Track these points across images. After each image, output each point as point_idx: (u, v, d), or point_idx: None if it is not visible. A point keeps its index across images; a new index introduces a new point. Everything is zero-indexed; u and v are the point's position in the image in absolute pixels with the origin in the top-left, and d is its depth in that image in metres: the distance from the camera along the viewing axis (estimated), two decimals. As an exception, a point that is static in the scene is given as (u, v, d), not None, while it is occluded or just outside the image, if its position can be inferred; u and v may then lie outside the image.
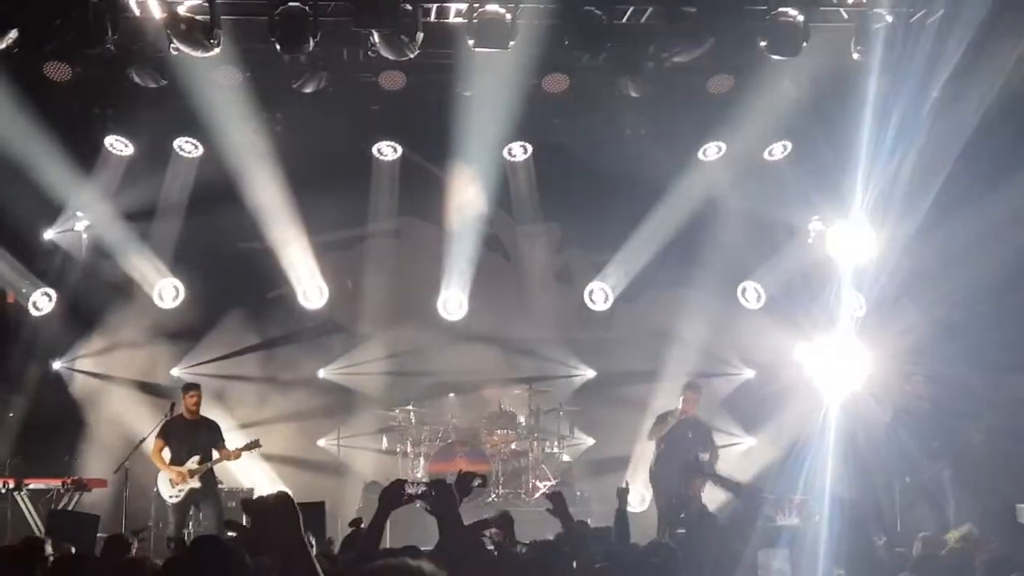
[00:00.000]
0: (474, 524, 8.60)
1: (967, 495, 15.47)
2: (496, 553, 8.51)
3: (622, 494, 10.93)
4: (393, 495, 7.25)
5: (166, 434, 16.09)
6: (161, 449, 16.00)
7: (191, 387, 16.52)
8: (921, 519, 13.60)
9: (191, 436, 16.09)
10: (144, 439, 16.41)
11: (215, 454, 15.99)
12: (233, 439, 16.72)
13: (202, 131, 18.64)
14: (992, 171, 17.59)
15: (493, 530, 9.28)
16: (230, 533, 10.67)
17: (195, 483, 15.79)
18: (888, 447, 15.23)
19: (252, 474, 18.09)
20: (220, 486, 16.49)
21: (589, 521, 12.81)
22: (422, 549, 7.96)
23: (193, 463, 15.85)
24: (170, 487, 15.55)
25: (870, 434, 15.75)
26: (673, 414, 16.73)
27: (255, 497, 3.79)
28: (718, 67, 17.80)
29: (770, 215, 19.82)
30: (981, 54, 16.81)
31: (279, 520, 4.17)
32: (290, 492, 4.30)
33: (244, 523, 11.33)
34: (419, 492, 7.36)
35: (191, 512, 15.88)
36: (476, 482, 8.12)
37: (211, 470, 16.03)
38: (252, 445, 16.36)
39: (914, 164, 17.83)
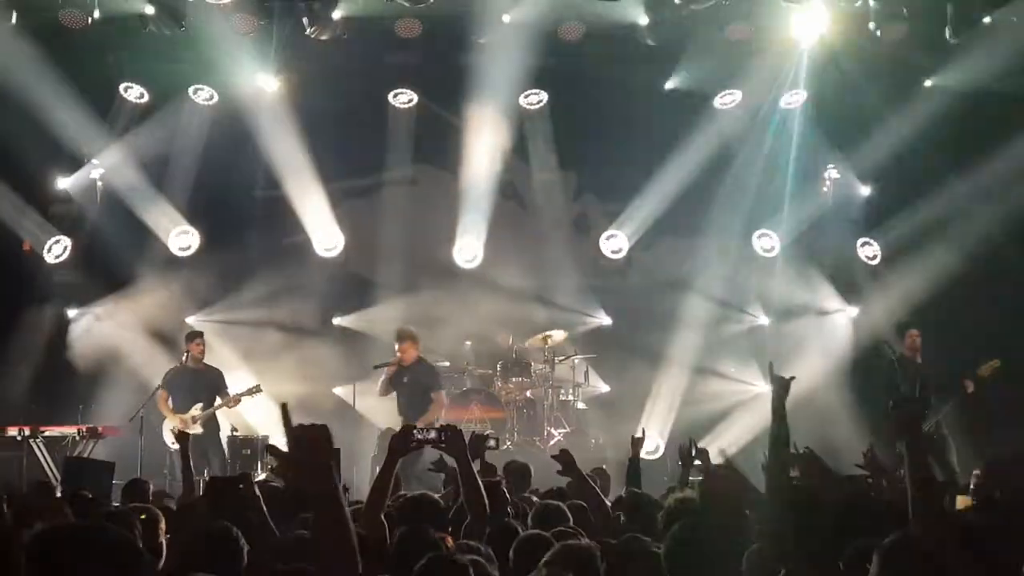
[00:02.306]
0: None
1: (967, 444, 15.56)
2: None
3: (636, 443, 10.92)
4: (402, 441, 7.27)
5: (168, 383, 16.48)
6: (166, 399, 16.28)
7: (196, 335, 16.84)
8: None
9: (193, 384, 16.39)
10: (159, 387, 16.55)
11: (219, 401, 16.24)
12: (244, 385, 16.91)
13: (218, 78, 18.68)
14: (1011, 119, 17.61)
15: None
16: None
17: (197, 429, 15.96)
18: (894, 396, 15.24)
19: (267, 422, 18.10)
20: (235, 433, 16.60)
21: (605, 467, 12.83)
22: (434, 496, 8.00)
23: (196, 410, 16.08)
24: (172, 435, 15.69)
25: (883, 381, 15.77)
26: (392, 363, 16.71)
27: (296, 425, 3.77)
28: (735, 15, 17.74)
29: (785, 163, 19.79)
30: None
31: (314, 453, 4.20)
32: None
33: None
34: (428, 437, 7.38)
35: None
36: (490, 443, 8.09)
37: (215, 417, 16.28)
38: (253, 390, 16.55)
39: (929, 113, 17.86)
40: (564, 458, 9.44)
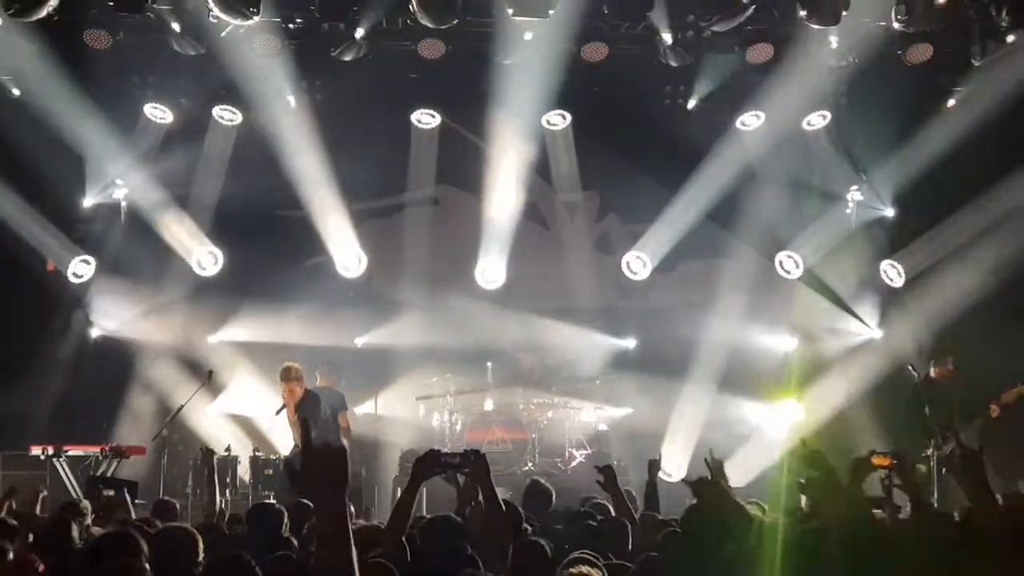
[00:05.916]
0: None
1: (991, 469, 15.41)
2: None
3: (653, 466, 10.90)
4: (427, 465, 7.26)
5: None
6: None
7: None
8: (955, 489, 13.55)
9: None
10: (182, 406, 16.47)
11: None
12: (269, 407, 16.90)
13: (241, 99, 18.70)
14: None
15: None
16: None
17: None
18: (919, 419, 15.16)
19: (289, 442, 18.03)
20: (257, 453, 16.58)
21: (631, 490, 12.79)
22: (454, 516, 7.98)
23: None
24: None
25: (907, 404, 15.68)
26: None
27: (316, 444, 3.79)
28: (757, 36, 17.73)
29: (808, 185, 19.77)
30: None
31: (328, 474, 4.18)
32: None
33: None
34: (452, 461, 7.36)
35: None
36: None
37: None
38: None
39: (954, 134, 17.79)
40: (607, 474, 9.52)
